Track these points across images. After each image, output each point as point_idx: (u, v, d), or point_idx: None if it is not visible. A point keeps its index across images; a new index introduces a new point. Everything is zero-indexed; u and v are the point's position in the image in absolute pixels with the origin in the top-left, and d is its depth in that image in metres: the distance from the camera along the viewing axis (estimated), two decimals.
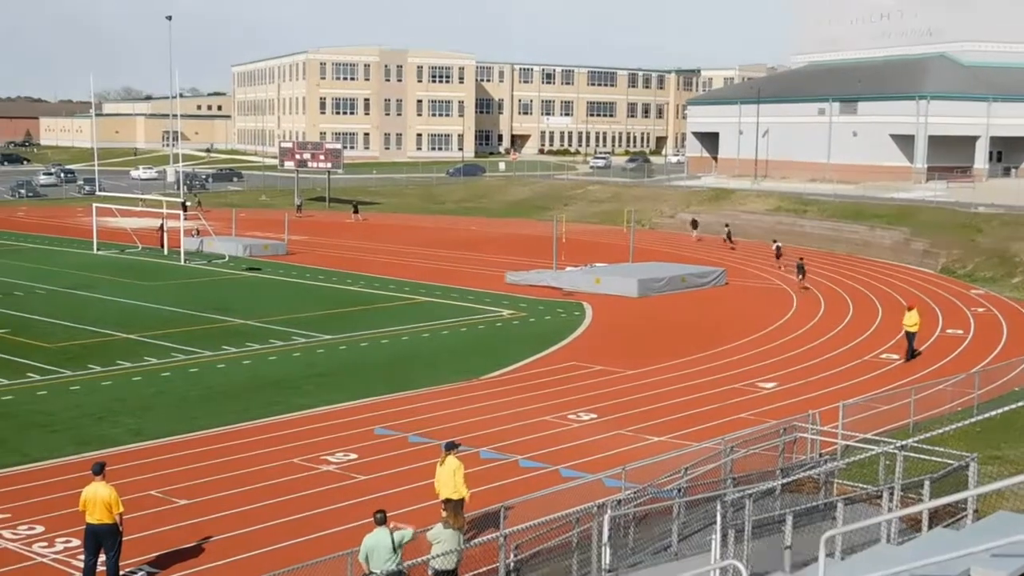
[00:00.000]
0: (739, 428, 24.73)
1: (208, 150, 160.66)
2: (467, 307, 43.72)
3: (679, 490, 18.03)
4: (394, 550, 14.81)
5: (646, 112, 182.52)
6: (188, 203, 74.45)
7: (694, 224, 71.64)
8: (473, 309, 43.29)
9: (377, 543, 14.85)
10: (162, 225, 62.84)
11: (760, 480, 19.30)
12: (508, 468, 22.93)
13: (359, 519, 19.22)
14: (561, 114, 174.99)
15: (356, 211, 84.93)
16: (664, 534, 17.67)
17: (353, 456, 23.57)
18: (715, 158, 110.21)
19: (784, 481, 19.51)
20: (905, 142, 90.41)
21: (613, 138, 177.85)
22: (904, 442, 19.45)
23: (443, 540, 15.23)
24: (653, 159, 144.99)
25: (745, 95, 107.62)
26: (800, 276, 49.35)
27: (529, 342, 36.75)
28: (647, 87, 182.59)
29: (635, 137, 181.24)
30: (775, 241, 59.97)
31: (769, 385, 30.95)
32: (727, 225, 70.04)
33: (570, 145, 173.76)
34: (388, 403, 28.33)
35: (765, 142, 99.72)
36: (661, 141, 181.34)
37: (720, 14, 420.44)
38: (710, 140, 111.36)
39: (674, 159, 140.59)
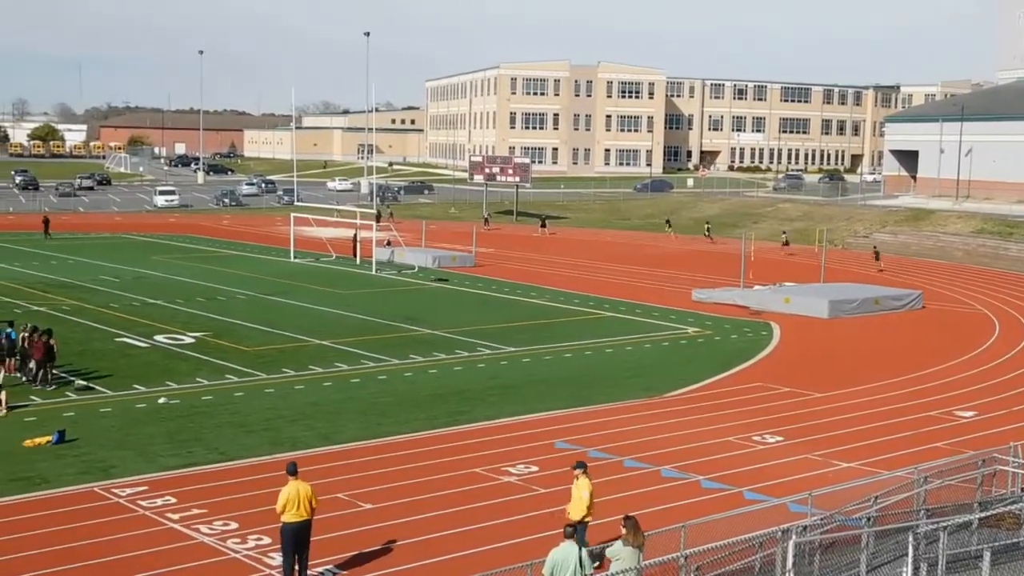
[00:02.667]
0: (933, 458, 23.71)
1: (391, 164, 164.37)
2: (652, 323, 43.41)
3: (868, 519, 17.40)
4: (581, 565, 14.70)
5: (841, 129, 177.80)
6: (381, 214, 76.38)
7: (876, 255, 68.12)
8: (658, 326, 42.96)
9: (565, 557, 14.73)
10: (355, 235, 64.66)
11: (955, 513, 18.45)
12: (690, 488, 22.60)
13: (538, 532, 19.30)
14: (752, 130, 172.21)
15: (543, 225, 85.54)
16: (851, 564, 17.07)
17: (534, 468, 23.66)
18: (914, 177, 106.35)
19: (982, 515, 18.60)
20: None
21: (806, 155, 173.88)
22: None
23: (622, 558, 15.09)
24: (848, 177, 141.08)
25: (948, 112, 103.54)
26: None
27: (714, 361, 36.21)
28: (843, 103, 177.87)
29: (829, 154, 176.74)
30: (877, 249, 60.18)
31: (968, 414, 29.59)
32: (875, 247, 67.93)
33: (761, 162, 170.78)
34: (570, 417, 28.34)
35: (968, 161, 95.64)
36: (856, 159, 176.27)
37: (921, 29, 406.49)
38: (909, 158, 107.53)
39: (870, 177, 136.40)
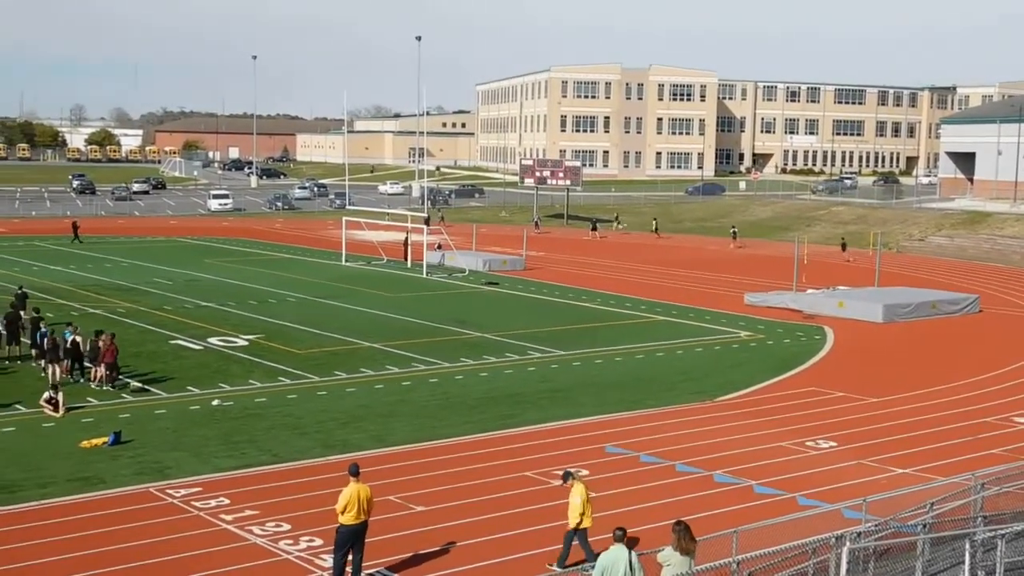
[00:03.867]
0: (990, 464, 23.38)
1: (438, 168, 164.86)
2: (703, 327, 43.17)
3: (924, 526, 17.15)
4: (631, 569, 14.63)
5: (896, 131, 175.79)
6: (431, 218, 76.64)
7: (843, 246, 71.96)
8: (709, 329, 42.70)
9: (615, 560, 14.67)
10: (406, 239, 64.91)
11: (1013, 520, 18.15)
12: (742, 493, 22.43)
13: (589, 535, 19.19)
14: (805, 132, 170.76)
15: (594, 228, 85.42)
16: (907, 571, 16.83)
17: (584, 472, 23.55)
18: (970, 179, 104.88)
19: None
20: None
21: (860, 157, 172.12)
22: None
23: (673, 563, 15.00)
24: (903, 180, 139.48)
25: (1006, 113, 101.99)
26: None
27: (767, 365, 35.93)
28: (898, 105, 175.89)
29: (883, 157, 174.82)
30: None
31: None
32: (843, 238, 68.98)
33: (814, 164, 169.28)
34: (621, 421, 28.24)
35: None
36: (911, 161, 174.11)
37: (979, 30, 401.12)
38: (965, 160, 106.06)
39: (925, 180, 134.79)
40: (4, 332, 34.26)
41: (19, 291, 40.83)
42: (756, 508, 21.20)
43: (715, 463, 24.31)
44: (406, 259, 63.59)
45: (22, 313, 36.59)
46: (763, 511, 20.70)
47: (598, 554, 17.67)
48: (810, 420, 28.60)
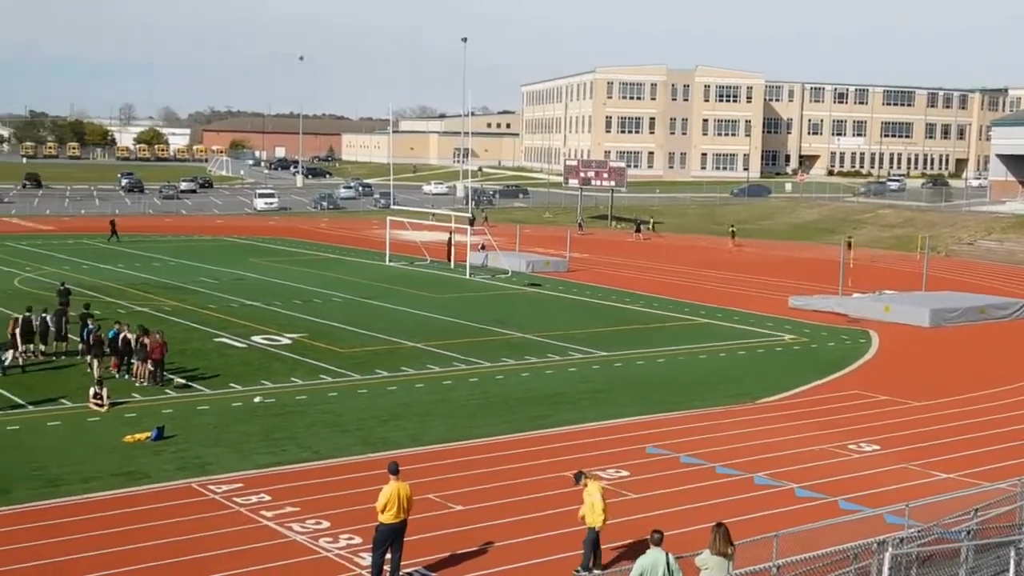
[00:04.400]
0: None
1: (480, 169, 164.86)
2: (747, 330, 42.89)
3: (968, 532, 16.92)
4: (670, 572, 14.53)
5: (946, 133, 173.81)
6: (475, 218, 76.72)
7: (732, 235, 74.41)
8: (753, 332, 42.42)
9: (653, 564, 14.57)
10: (450, 239, 65.02)
11: None
12: (783, 496, 22.25)
13: (628, 537, 19.15)
14: (853, 134, 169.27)
15: (638, 230, 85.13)
16: None
17: (624, 473, 23.51)
18: (1022, 182, 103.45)
19: None
20: None
21: (908, 160, 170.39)
22: None
23: (710, 567, 14.89)
24: (952, 182, 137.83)
25: None
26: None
27: (810, 368, 35.63)
28: (948, 107, 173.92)
29: (932, 159, 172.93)
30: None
31: None
32: (732, 226, 68.33)
33: (862, 166, 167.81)
34: (662, 422, 28.12)
35: None
36: (961, 164, 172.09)
37: None
38: (1017, 163, 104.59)
39: (975, 183, 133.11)
40: (53, 328, 34.68)
41: (61, 287, 41.31)
42: (797, 512, 21.02)
43: (756, 465, 24.14)
44: (449, 259, 63.69)
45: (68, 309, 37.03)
46: (804, 515, 20.52)
47: (595, 557, 17.66)
48: (853, 423, 28.32)
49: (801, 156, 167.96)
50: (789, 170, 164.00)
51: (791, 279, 58.84)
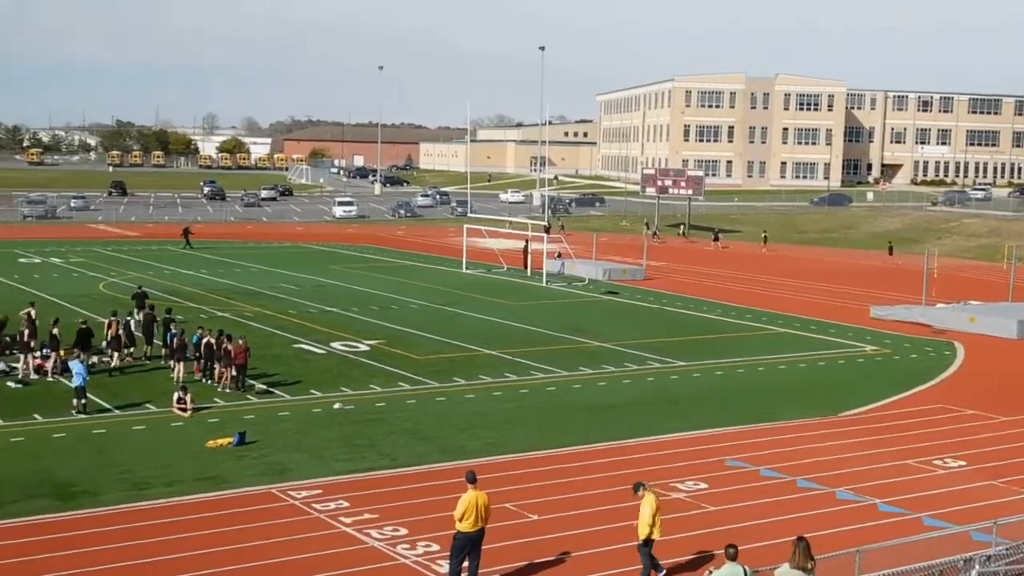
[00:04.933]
0: None
1: (555, 177, 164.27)
2: (827, 340, 42.29)
3: None
4: None
5: None
6: (551, 226, 76.75)
7: (716, 237, 75.81)
8: (833, 343, 41.82)
9: None
10: (526, 247, 65.07)
11: None
12: (865, 511, 21.86)
13: (706, 549, 18.97)
14: (937, 143, 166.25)
15: (716, 239, 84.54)
16: None
17: (703, 485, 23.30)
18: None
19: None
20: None
21: (995, 168, 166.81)
22: None
23: None
24: None
25: None
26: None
27: (892, 380, 35.01)
28: None
29: (1020, 168, 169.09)
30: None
31: None
32: (716, 230, 64.46)
33: (946, 175, 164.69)
34: (741, 434, 27.82)
35: None
36: None
37: None
38: None
39: None
40: (141, 333, 35.34)
41: (139, 290, 42.11)
42: (880, 527, 20.65)
43: (837, 480, 23.76)
44: (525, 267, 63.74)
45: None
46: (887, 531, 20.16)
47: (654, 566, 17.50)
48: (938, 438, 27.76)
49: (883, 165, 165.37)
50: (871, 179, 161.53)
51: (872, 289, 57.93)
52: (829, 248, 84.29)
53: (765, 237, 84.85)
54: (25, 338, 33.01)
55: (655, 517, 17.64)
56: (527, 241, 65.31)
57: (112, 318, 34.50)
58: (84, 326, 34.09)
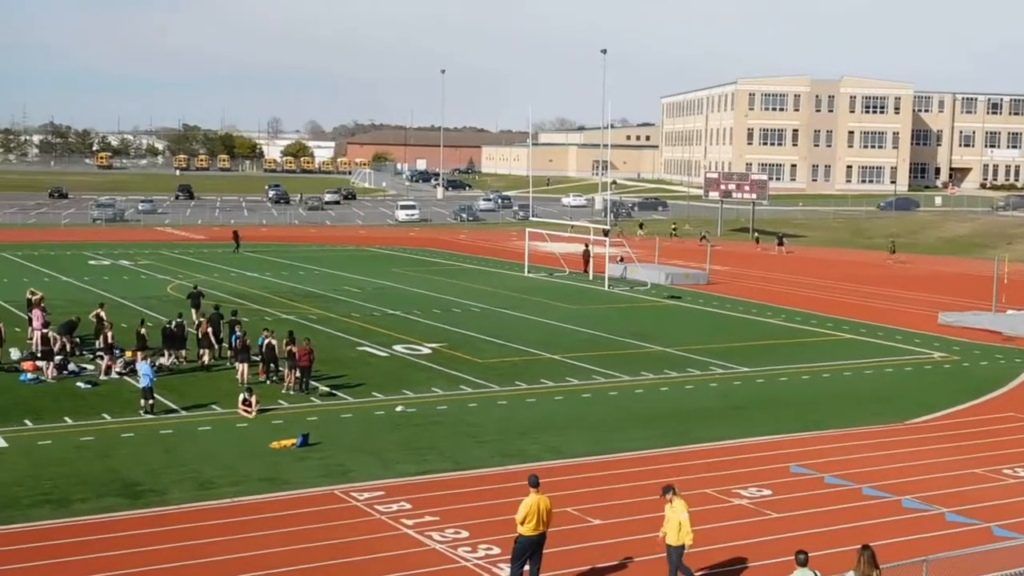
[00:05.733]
0: None
1: (613, 182, 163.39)
2: (894, 347, 41.70)
3: None
4: None
5: None
6: (609, 231, 76.49)
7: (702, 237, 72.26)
8: (900, 349, 41.23)
9: None
10: (586, 250, 64.93)
11: None
12: (933, 521, 21.51)
13: (770, 557, 18.80)
14: (1008, 146, 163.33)
15: (781, 243, 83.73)
16: None
17: (767, 492, 23.07)
18: None
19: None
20: None
21: None
22: None
23: None
24: None
25: None
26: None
27: (961, 388, 34.42)
28: None
29: None
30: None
31: None
32: (703, 234, 62.77)
33: (1016, 179, 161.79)
34: (805, 441, 27.52)
35: None
36: None
37: None
38: None
39: None
40: (208, 334, 35.76)
41: (194, 289, 42.64)
42: (947, 537, 20.31)
43: (904, 488, 23.41)
44: (587, 270, 63.56)
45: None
46: (955, 540, 19.82)
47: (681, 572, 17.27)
48: (1008, 447, 27.23)
49: (952, 169, 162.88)
50: (939, 183, 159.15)
51: (940, 295, 57.04)
52: (897, 253, 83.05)
53: (893, 245, 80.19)
54: (109, 340, 33.68)
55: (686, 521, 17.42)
56: (587, 245, 65.17)
57: (201, 318, 35.44)
58: (170, 325, 34.80)
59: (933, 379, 36.09)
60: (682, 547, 17.37)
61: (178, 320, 35.36)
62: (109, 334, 33.88)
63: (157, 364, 32.10)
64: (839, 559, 18.12)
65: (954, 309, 49.95)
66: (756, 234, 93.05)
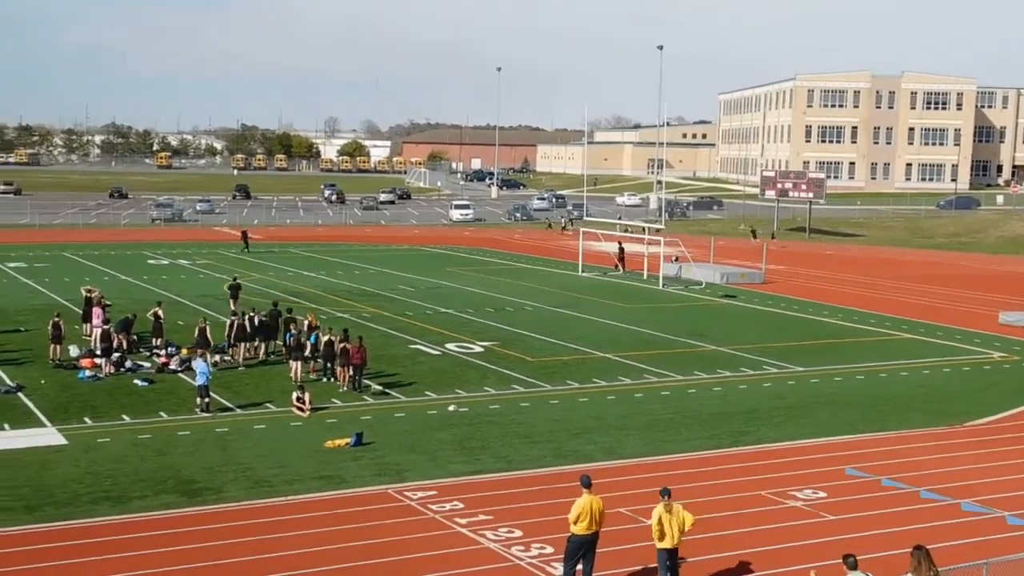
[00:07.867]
0: None
1: (659, 183, 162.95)
2: (952, 347, 41.11)
3: None
4: None
5: None
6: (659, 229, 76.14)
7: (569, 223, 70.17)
8: (959, 349, 40.63)
9: None
10: (621, 250, 64.84)
11: None
12: (993, 524, 21.18)
13: (825, 559, 18.59)
14: None
15: (754, 235, 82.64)
16: None
17: (822, 494, 22.84)
18: None
19: None
20: None
21: None
22: None
23: None
24: None
25: None
26: None
27: (1022, 389, 33.84)
28: None
29: None
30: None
31: None
32: (568, 218, 61.18)
33: None
34: (861, 443, 27.21)
35: None
36: None
37: None
38: None
39: None
40: (259, 328, 36.12)
41: (233, 281, 43.14)
42: (1008, 540, 19.99)
43: (964, 491, 23.07)
44: (618, 268, 63.68)
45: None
46: (1016, 544, 19.51)
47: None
48: None
49: (1015, 166, 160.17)
50: (1000, 181, 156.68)
51: (1002, 294, 56.13)
52: (957, 252, 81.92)
53: (753, 232, 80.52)
54: (162, 335, 34.32)
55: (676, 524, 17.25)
56: (620, 243, 65.23)
57: (248, 310, 36.73)
58: (264, 316, 36.17)
59: (993, 379, 35.53)
60: (674, 549, 17.25)
61: (273, 309, 37.18)
62: (164, 331, 34.78)
63: (216, 360, 32.63)
64: (896, 562, 17.90)
65: (1015, 309, 49.11)
66: (752, 228, 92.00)
